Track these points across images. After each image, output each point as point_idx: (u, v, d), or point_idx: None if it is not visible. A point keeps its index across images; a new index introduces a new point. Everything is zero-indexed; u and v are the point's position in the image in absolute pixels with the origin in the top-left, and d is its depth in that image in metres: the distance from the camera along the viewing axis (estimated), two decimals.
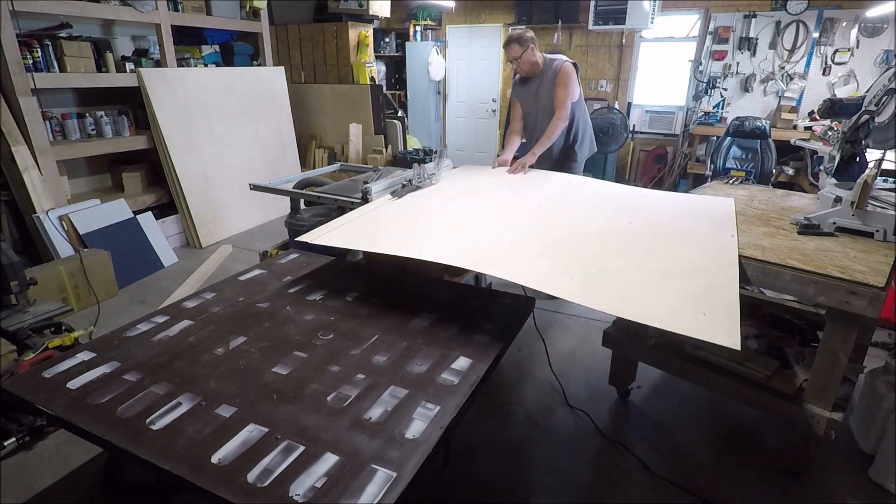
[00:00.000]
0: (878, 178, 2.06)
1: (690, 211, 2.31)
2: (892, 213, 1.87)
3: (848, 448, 2.13)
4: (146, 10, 4.05)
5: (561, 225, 2.10)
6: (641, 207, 2.35)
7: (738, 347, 1.27)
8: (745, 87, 5.79)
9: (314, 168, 5.75)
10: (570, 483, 1.96)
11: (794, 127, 5.44)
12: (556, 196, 2.56)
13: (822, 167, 4.49)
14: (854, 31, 5.21)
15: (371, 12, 6.32)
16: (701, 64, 5.87)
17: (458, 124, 7.78)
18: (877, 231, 1.89)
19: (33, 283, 2.47)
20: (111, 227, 3.75)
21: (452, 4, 7.00)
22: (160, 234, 4.09)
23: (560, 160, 3.25)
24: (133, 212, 3.97)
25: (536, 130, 3.23)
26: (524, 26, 6.66)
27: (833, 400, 1.73)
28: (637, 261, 1.75)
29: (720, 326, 1.35)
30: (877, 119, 2.04)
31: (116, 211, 3.86)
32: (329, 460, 1.09)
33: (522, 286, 1.58)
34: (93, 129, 4.06)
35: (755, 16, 5.54)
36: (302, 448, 1.12)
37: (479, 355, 1.49)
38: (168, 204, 4.44)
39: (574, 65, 3.10)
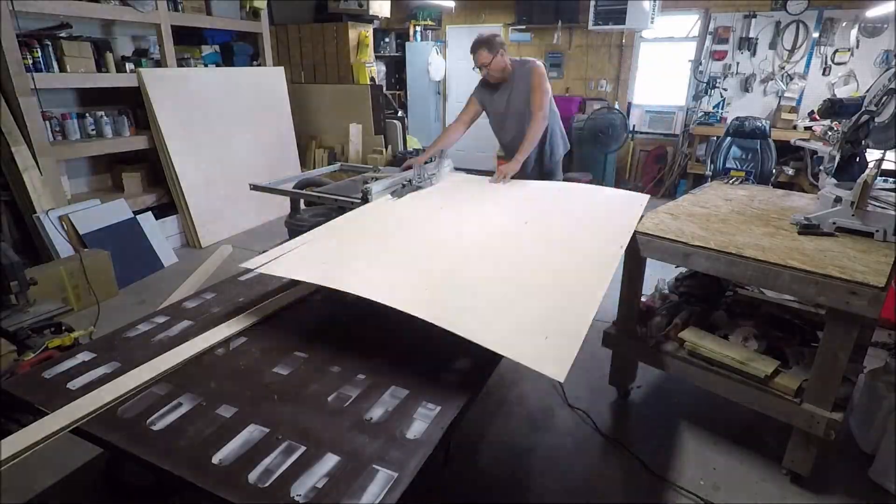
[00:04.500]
0: (878, 178, 2.06)
1: (596, 212, 2.30)
2: (892, 213, 1.87)
3: (848, 448, 2.14)
4: (146, 10, 4.05)
5: (450, 234, 2.02)
6: (553, 204, 2.45)
7: (561, 379, 1.18)
8: (745, 87, 5.79)
9: (314, 168, 5.75)
10: (570, 483, 1.96)
11: (794, 127, 5.45)
12: (484, 202, 2.49)
13: (822, 167, 4.50)
14: (854, 31, 5.21)
15: (371, 12, 6.32)
16: (701, 64, 5.87)
17: None
18: (877, 231, 1.89)
19: (33, 283, 2.47)
20: (111, 227, 3.75)
21: (452, 4, 7.00)
22: (160, 234, 4.09)
23: (538, 164, 3.15)
24: (133, 212, 3.97)
25: (510, 137, 3.10)
26: (524, 26, 6.67)
27: (833, 400, 1.73)
28: (505, 272, 1.69)
29: (553, 355, 1.26)
30: (877, 119, 2.04)
31: (116, 211, 3.86)
32: (330, 461, 1.09)
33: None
34: (93, 129, 4.06)
35: (755, 16, 5.54)
36: (303, 448, 1.12)
37: (480, 355, 1.49)
38: (168, 204, 4.44)
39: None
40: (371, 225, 2.13)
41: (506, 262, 1.78)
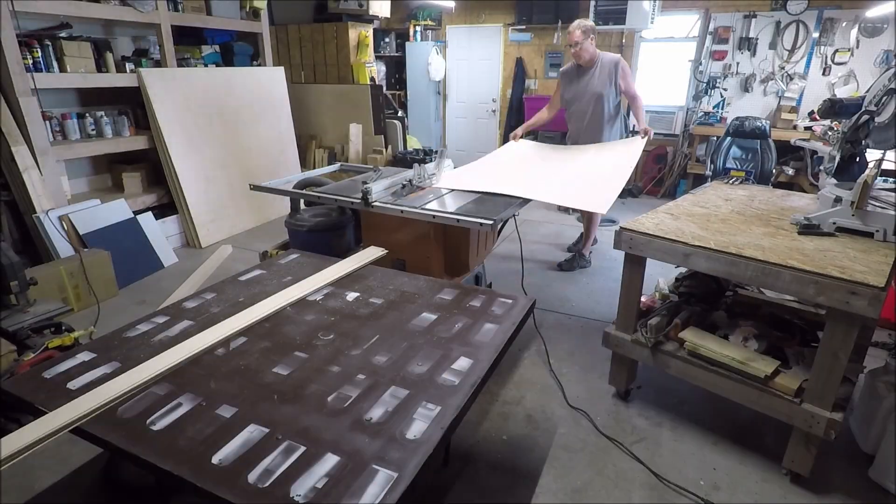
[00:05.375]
0: (878, 178, 2.07)
1: (615, 147, 3.46)
2: (892, 213, 1.88)
3: (848, 448, 2.14)
4: (146, 10, 4.05)
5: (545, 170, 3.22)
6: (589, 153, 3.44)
7: (603, 212, 2.57)
8: (745, 87, 5.79)
9: (314, 168, 5.75)
10: (570, 483, 1.96)
11: (794, 127, 5.45)
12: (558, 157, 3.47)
13: (822, 167, 4.50)
14: (854, 31, 5.21)
15: (371, 12, 6.32)
16: (701, 64, 5.87)
17: (458, 124, 7.78)
18: (877, 231, 1.89)
19: (33, 283, 2.47)
20: (111, 227, 3.75)
21: (452, 4, 7.00)
22: (160, 234, 4.09)
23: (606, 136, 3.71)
24: (133, 212, 3.97)
25: (582, 116, 3.62)
26: (524, 26, 6.67)
27: (833, 400, 1.73)
28: (580, 176, 2.99)
29: (599, 201, 2.53)
30: (877, 119, 2.05)
31: (116, 211, 3.86)
32: (330, 461, 1.09)
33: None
34: (93, 129, 4.06)
35: (755, 16, 5.54)
36: (303, 448, 1.12)
37: (479, 355, 1.49)
38: (168, 204, 4.44)
39: None
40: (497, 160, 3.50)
41: (572, 172, 3.05)
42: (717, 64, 5.83)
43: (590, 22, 3.48)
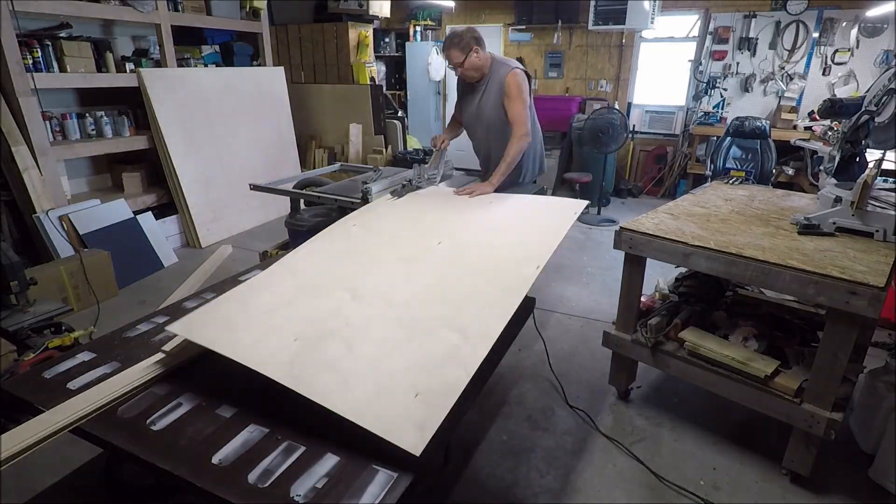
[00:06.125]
0: (878, 178, 2.06)
1: (525, 226, 2.11)
2: (892, 213, 1.88)
3: (848, 448, 2.14)
4: (146, 10, 4.05)
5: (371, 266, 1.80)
6: (485, 217, 2.23)
7: (416, 453, 1.02)
8: (745, 87, 5.79)
9: (314, 168, 5.75)
10: (570, 483, 1.96)
11: (794, 127, 5.45)
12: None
13: (822, 167, 4.50)
14: (854, 31, 5.21)
15: (371, 12, 6.33)
16: (701, 64, 5.87)
17: None
18: (877, 231, 1.89)
19: (33, 283, 2.47)
20: (111, 227, 3.75)
21: (452, 4, 7.00)
22: (160, 234, 4.09)
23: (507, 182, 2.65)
24: (133, 212, 3.97)
25: (483, 149, 2.80)
26: (524, 26, 6.67)
27: (833, 400, 1.73)
28: (397, 310, 1.51)
29: (417, 417, 1.11)
30: (877, 119, 2.04)
31: (116, 211, 3.86)
32: (330, 461, 1.09)
33: None
34: (93, 129, 4.06)
35: (755, 16, 5.54)
36: (303, 448, 1.12)
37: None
38: (168, 204, 4.44)
39: (524, 72, 2.61)
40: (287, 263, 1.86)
41: (403, 296, 1.58)
42: (717, 64, 5.83)
43: (467, 33, 2.51)
